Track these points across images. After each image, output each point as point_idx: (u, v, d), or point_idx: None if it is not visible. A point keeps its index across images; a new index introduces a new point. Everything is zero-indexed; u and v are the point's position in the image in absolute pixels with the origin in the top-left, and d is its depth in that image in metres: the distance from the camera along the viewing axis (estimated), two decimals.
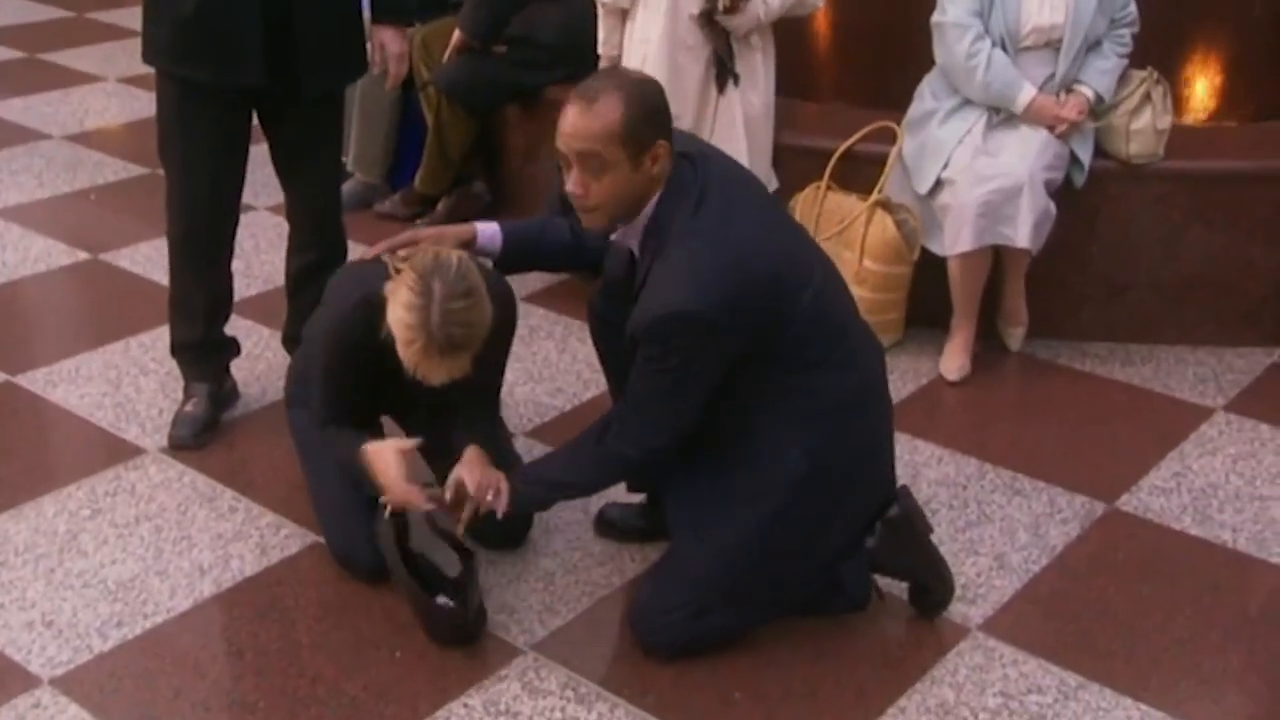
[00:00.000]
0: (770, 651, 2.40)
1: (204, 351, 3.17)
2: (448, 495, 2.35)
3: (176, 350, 3.20)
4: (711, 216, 2.20)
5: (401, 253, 2.37)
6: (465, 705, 2.29)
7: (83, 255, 4.19)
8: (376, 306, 2.30)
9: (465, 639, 2.40)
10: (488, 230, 2.49)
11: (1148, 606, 2.56)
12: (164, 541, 2.76)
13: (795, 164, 3.62)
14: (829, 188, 3.50)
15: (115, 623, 2.52)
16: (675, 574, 2.39)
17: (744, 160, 3.43)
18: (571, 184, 2.18)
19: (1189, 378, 3.42)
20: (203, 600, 2.58)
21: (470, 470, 2.35)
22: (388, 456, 2.39)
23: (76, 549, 2.74)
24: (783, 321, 2.24)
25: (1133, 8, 3.33)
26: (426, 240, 2.43)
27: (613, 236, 2.33)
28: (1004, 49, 3.23)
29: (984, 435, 3.16)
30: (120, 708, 2.31)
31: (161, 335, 3.61)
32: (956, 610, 2.53)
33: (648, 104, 2.16)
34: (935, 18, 3.31)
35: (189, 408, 3.14)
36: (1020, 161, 3.18)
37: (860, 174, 3.48)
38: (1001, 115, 3.29)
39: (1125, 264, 3.52)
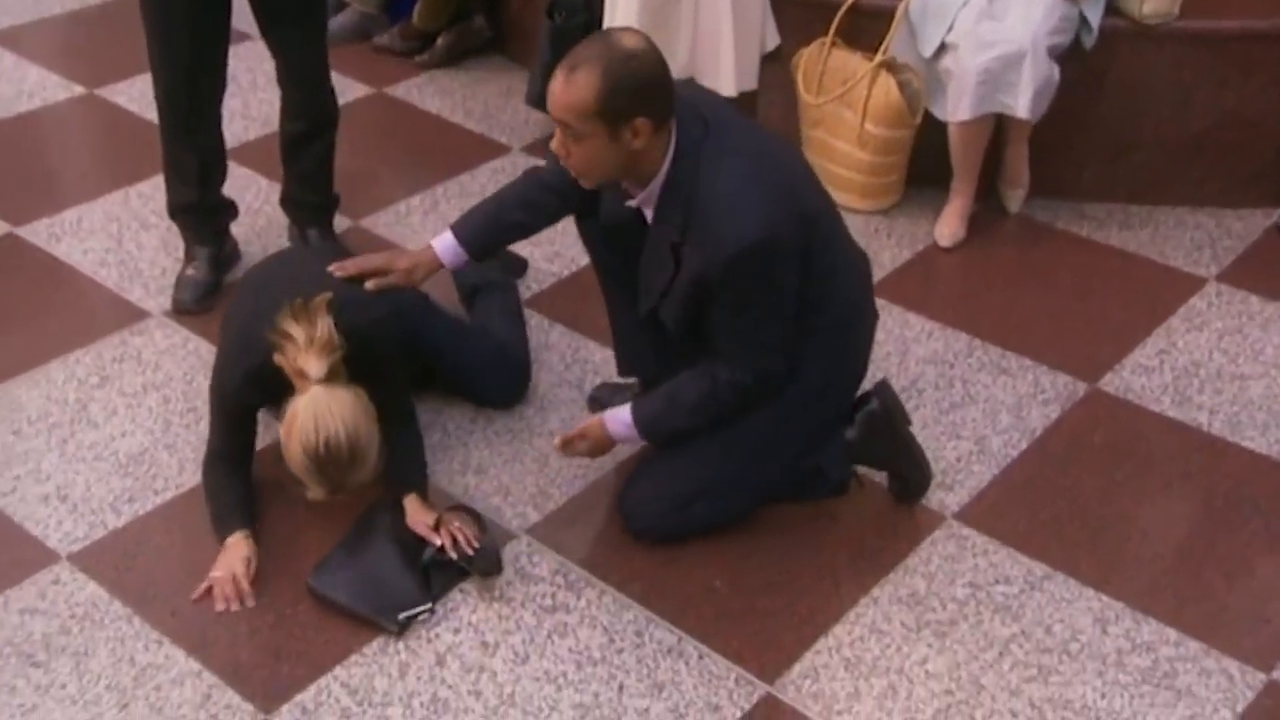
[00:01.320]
0: (751, 541, 2.51)
1: (201, 214, 3.19)
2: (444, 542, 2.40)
3: (174, 213, 3.22)
4: (737, 144, 2.23)
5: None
6: (461, 590, 2.41)
7: (79, 89, 4.15)
8: (265, 379, 2.33)
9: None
10: (447, 250, 2.49)
11: (1119, 493, 2.65)
12: (171, 413, 2.85)
13: (799, 15, 3.52)
14: (833, 44, 3.42)
15: (127, 498, 2.63)
16: (670, 466, 2.48)
17: (728, 17, 3.34)
18: (555, 143, 2.22)
19: (1185, 243, 3.42)
20: None
21: (418, 524, 2.44)
22: (232, 558, 2.42)
23: (87, 419, 2.83)
24: (814, 231, 2.29)
25: None
26: (398, 276, 2.45)
27: (630, 202, 2.32)
28: None
29: (975, 307, 3.18)
30: (135, 585, 2.44)
31: (160, 185, 3.62)
32: (934, 497, 2.62)
33: (628, 80, 2.12)
34: None
35: (190, 271, 3.18)
36: (1024, 26, 3.10)
37: (866, 30, 3.39)
38: None
39: (1132, 124, 3.47)
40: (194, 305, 3.13)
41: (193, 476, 2.66)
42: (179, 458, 2.72)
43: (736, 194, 2.18)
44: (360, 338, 2.34)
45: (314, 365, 2.25)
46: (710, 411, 2.38)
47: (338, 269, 2.44)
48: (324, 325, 2.27)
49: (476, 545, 2.38)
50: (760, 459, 2.44)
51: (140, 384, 2.93)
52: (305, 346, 2.25)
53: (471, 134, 3.89)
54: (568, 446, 2.50)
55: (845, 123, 3.39)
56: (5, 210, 3.51)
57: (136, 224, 3.48)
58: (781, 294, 2.26)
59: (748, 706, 2.20)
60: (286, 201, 3.30)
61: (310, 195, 3.24)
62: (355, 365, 2.32)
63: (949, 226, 3.38)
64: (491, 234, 2.53)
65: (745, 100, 3.56)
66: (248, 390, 2.41)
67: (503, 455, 2.72)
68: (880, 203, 3.50)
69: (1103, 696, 2.22)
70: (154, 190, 3.57)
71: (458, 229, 2.51)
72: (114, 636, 2.33)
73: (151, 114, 3.91)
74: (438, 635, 2.33)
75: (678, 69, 3.54)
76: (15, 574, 2.46)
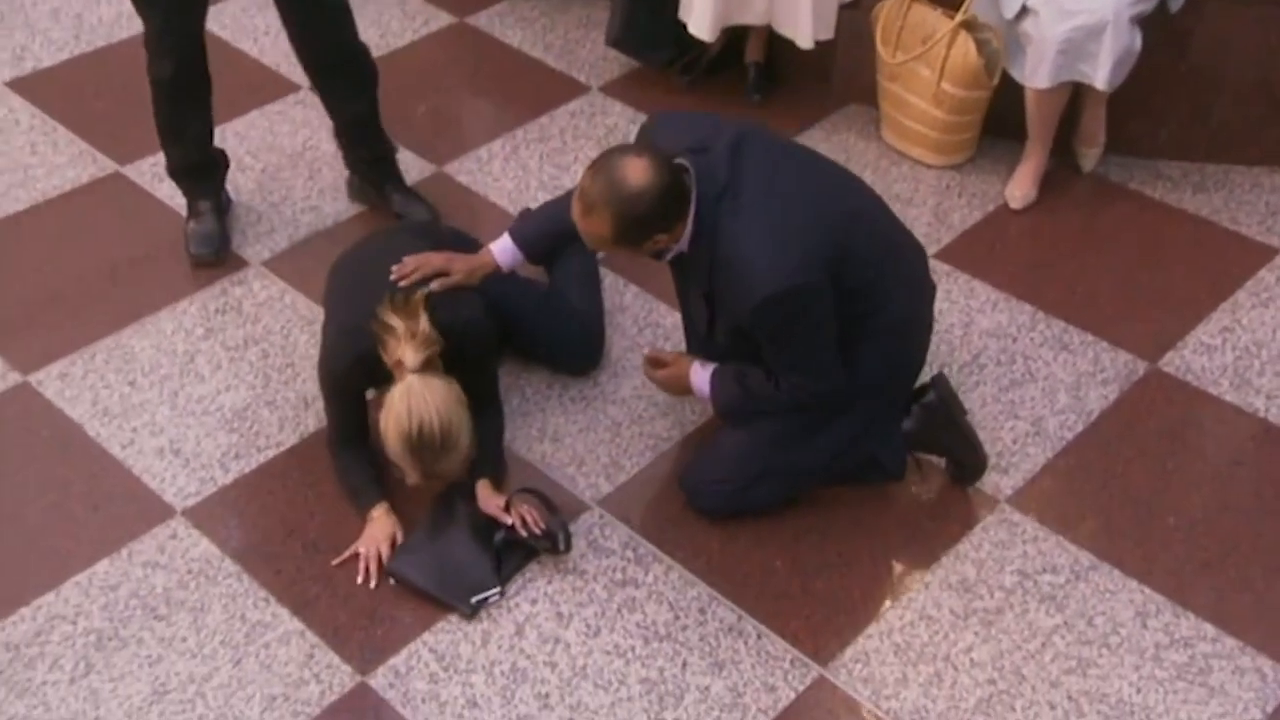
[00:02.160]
0: (809, 520, 2.66)
1: (204, 170, 3.31)
2: (513, 523, 2.56)
3: (176, 173, 3.31)
4: (752, 196, 2.31)
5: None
6: (538, 561, 2.60)
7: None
8: (371, 365, 2.49)
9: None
10: (505, 254, 2.64)
11: (1169, 482, 2.75)
12: (270, 369, 3.03)
13: None
14: None
15: (233, 454, 2.84)
16: (730, 450, 2.62)
17: None
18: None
19: (1260, 209, 3.42)
20: (308, 435, 2.86)
21: (490, 506, 2.59)
22: (379, 534, 2.59)
23: (194, 372, 3.02)
24: (847, 258, 2.37)
25: None
26: (459, 277, 2.58)
27: (667, 256, 2.43)
28: None
29: (1041, 276, 3.23)
30: (242, 543, 2.66)
31: (255, 123, 3.77)
32: (989, 479, 2.74)
33: (638, 218, 2.26)
34: None
35: (200, 226, 3.29)
36: None
37: None
38: None
39: (1213, 84, 3.45)
40: (214, 258, 3.26)
41: (291, 435, 2.86)
42: (279, 415, 2.91)
43: (749, 250, 2.28)
44: (454, 335, 2.49)
45: (411, 355, 2.40)
46: (772, 409, 2.52)
47: (398, 275, 2.56)
48: (424, 320, 2.44)
49: (543, 527, 2.56)
50: (819, 448, 2.57)
51: (241, 337, 3.11)
52: (406, 338, 2.41)
53: (551, 71, 3.95)
54: (651, 364, 2.69)
55: (922, 79, 3.41)
56: (112, 148, 3.66)
57: (234, 166, 3.60)
58: (817, 330, 2.37)
59: (801, 688, 2.39)
60: (354, 169, 3.43)
61: (370, 150, 3.36)
62: (448, 358, 2.48)
63: (1020, 188, 3.41)
64: (548, 239, 2.67)
65: (822, 50, 3.58)
66: (356, 373, 2.58)
67: (577, 423, 2.88)
68: (953, 158, 3.53)
69: (1138, 691, 2.37)
70: (248, 128, 3.70)
71: (515, 233, 2.66)
72: (226, 593, 2.56)
73: (244, 42, 4.06)
74: (516, 605, 2.53)
75: (756, 17, 3.57)
76: (137, 527, 2.68)
